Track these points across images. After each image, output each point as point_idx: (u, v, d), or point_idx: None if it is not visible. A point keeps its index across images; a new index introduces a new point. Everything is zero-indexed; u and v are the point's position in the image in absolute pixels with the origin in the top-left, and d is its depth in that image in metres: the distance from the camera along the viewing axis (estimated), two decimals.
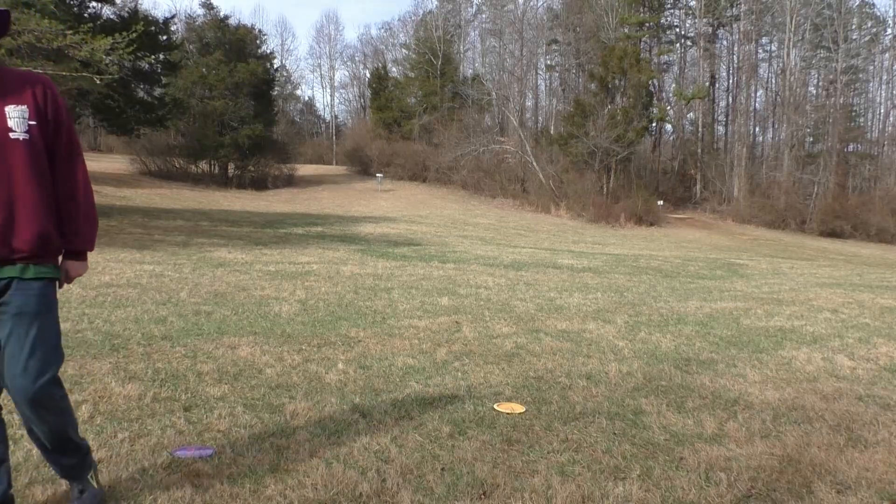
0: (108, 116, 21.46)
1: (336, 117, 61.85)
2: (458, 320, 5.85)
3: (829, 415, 3.63)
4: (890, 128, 46.41)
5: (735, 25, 45.44)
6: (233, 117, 32.75)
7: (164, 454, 2.72)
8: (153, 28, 21.76)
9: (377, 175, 36.69)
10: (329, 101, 75.98)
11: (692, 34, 46.80)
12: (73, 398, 3.30)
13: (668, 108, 44.87)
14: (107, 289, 6.50)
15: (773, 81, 47.89)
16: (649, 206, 33.14)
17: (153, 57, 21.83)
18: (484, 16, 52.66)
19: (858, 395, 4.05)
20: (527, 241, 20.13)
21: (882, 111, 47.83)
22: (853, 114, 46.64)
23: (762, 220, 35.68)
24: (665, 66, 47.44)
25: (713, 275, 11.84)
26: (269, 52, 38.79)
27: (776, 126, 46.68)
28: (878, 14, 47.92)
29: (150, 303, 5.94)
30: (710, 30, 45.34)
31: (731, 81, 48.75)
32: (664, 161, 44.92)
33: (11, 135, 1.96)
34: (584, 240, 22.86)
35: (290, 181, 35.90)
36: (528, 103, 48.28)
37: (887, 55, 46.12)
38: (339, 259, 10.59)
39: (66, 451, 2.18)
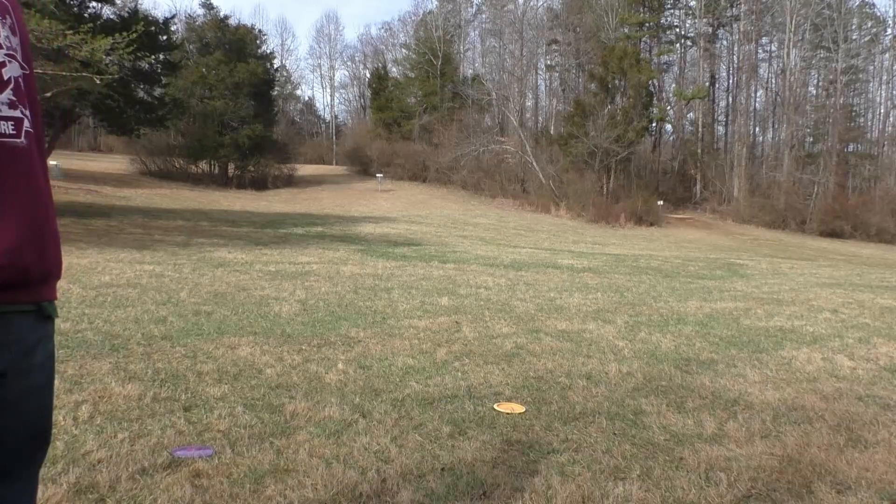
0: (108, 116, 21.44)
1: (336, 117, 61.93)
2: (458, 320, 5.85)
3: (829, 415, 3.63)
4: (890, 128, 46.47)
5: (735, 25, 45.46)
6: (233, 117, 32.77)
7: (164, 454, 2.71)
8: (153, 28, 21.72)
9: (377, 175, 36.69)
10: (329, 101, 75.98)
11: (692, 34, 46.84)
12: (72, 398, 3.31)
13: (668, 108, 44.89)
14: (107, 289, 6.50)
15: (773, 81, 47.95)
16: (649, 206, 33.14)
17: (153, 57, 21.79)
18: (484, 16, 52.73)
19: (858, 395, 4.04)
20: (527, 241, 20.13)
21: (882, 111, 47.90)
22: (853, 114, 46.65)
23: (762, 220, 35.68)
24: (665, 66, 47.46)
25: (713, 275, 11.83)
26: (269, 52, 38.82)
27: (776, 126, 46.72)
28: (878, 14, 48.01)
29: (150, 303, 5.94)
30: (710, 30, 45.36)
31: (731, 81, 48.83)
32: (664, 161, 44.92)
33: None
34: (584, 240, 22.86)
35: (290, 181, 35.92)
36: (528, 103, 48.35)
37: (887, 55, 46.14)
38: (339, 259, 10.59)
39: None
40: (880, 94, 48.50)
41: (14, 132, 1.13)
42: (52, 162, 21.58)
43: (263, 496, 2.41)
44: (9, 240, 1.10)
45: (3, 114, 1.12)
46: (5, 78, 1.13)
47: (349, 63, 63.39)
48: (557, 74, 48.95)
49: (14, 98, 1.15)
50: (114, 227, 13.61)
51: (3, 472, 1.16)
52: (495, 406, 3.52)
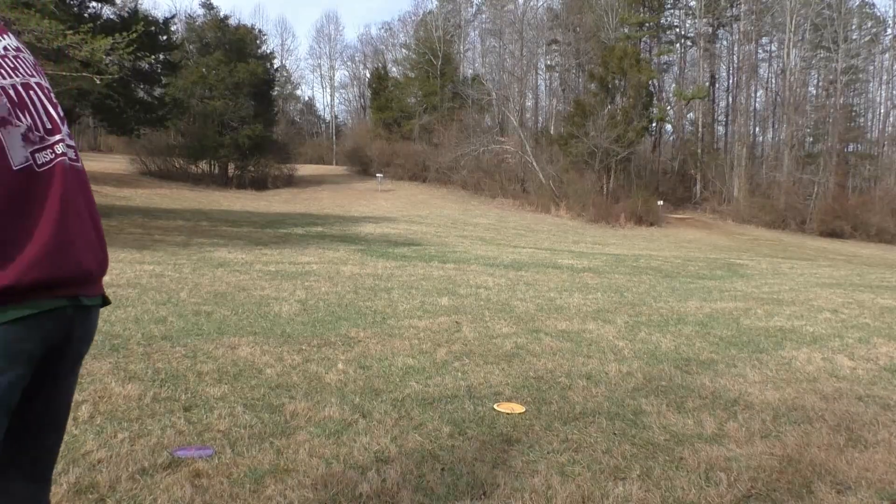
0: (108, 116, 21.47)
1: (336, 117, 61.85)
2: (458, 320, 5.85)
3: (829, 415, 3.63)
4: (890, 128, 46.44)
5: (735, 25, 45.45)
6: (233, 117, 32.76)
7: (164, 454, 2.71)
8: (153, 28, 21.75)
9: (377, 175, 36.68)
10: (329, 101, 75.86)
11: (692, 34, 46.80)
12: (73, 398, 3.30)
13: (668, 108, 44.88)
14: (106, 289, 6.48)
15: (773, 81, 47.92)
16: (649, 206, 33.12)
17: (153, 57, 21.82)
18: (484, 16, 52.68)
19: (858, 395, 4.04)
20: (527, 241, 20.14)
21: (882, 111, 47.86)
22: (853, 114, 46.62)
23: (762, 220, 35.67)
24: (665, 66, 47.44)
25: (713, 275, 11.84)
26: (269, 52, 38.81)
27: (776, 126, 46.70)
28: (878, 14, 47.97)
29: (150, 303, 5.94)
30: (710, 30, 45.33)
31: (731, 81, 48.78)
32: (664, 161, 44.90)
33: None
34: (584, 240, 22.86)
35: (290, 181, 35.91)
36: (528, 103, 48.30)
37: (887, 55, 46.13)
38: (339, 259, 10.59)
39: None
40: (880, 94, 48.52)
41: (75, 157, 1.42)
42: None
43: (263, 496, 2.41)
44: (95, 240, 1.42)
45: (68, 143, 1.40)
46: (61, 115, 1.42)
47: (349, 63, 63.39)
48: (557, 74, 48.91)
49: (69, 131, 1.43)
50: (114, 227, 13.61)
51: (50, 450, 1.44)
52: (495, 406, 3.52)
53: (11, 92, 1.31)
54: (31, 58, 1.45)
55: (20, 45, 1.45)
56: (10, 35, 1.43)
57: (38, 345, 1.29)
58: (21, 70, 1.37)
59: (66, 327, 1.35)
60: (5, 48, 1.38)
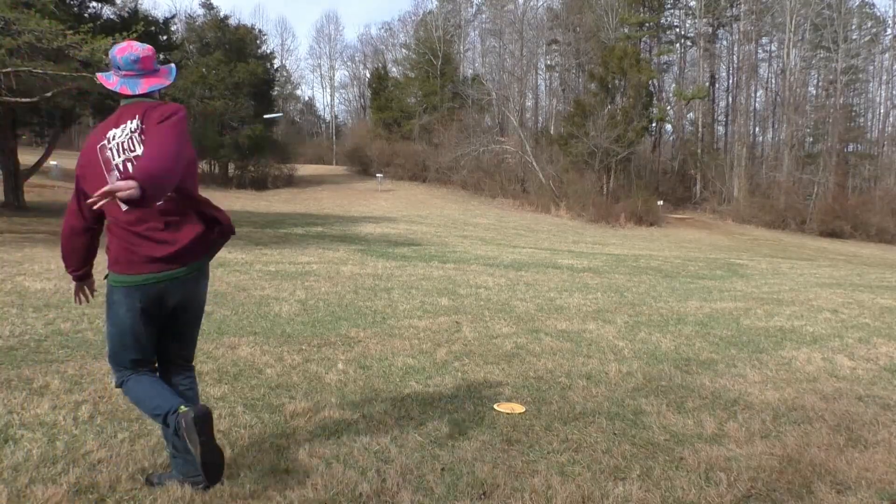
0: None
1: (336, 117, 61.85)
2: (458, 320, 5.85)
3: (829, 415, 3.63)
4: (890, 128, 46.44)
5: (735, 25, 45.45)
6: (233, 117, 32.77)
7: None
8: (153, 28, 21.71)
9: (377, 175, 36.68)
10: (329, 101, 75.76)
11: (692, 34, 46.80)
12: (72, 398, 3.31)
13: (668, 108, 44.87)
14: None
15: (773, 81, 47.91)
16: (649, 206, 33.12)
17: None
18: (484, 16, 52.66)
19: (858, 395, 4.04)
20: (527, 241, 20.13)
21: (882, 111, 47.85)
22: (853, 114, 46.61)
23: (762, 220, 35.66)
24: (665, 66, 47.43)
25: (713, 275, 11.84)
26: (269, 52, 38.83)
27: (776, 126, 46.69)
28: (878, 14, 47.95)
29: None
30: (710, 30, 45.34)
31: (731, 81, 48.77)
32: (664, 161, 44.91)
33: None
34: (584, 240, 22.86)
35: (290, 181, 35.91)
36: (528, 103, 48.29)
37: (887, 55, 46.12)
38: (339, 259, 10.59)
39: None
40: (880, 94, 48.51)
41: None
42: (52, 162, 21.58)
43: (263, 496, 2.41)
44: None
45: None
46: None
47: (349, 63, 63.36)
48: (557, 74, 48.90)
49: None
50: None
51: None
52: (495, 406, 3.52)
53: (122, 167, 2.32)
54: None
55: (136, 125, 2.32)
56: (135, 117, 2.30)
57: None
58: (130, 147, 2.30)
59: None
60: (131, 129, 2.31)
